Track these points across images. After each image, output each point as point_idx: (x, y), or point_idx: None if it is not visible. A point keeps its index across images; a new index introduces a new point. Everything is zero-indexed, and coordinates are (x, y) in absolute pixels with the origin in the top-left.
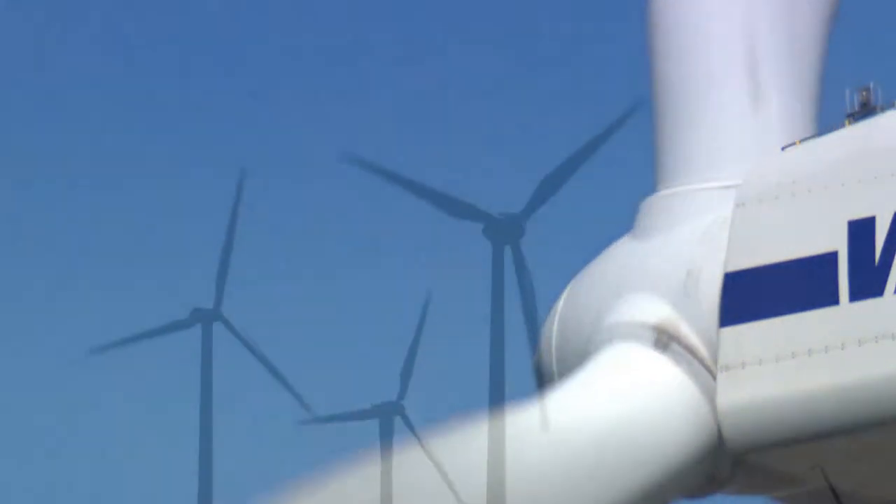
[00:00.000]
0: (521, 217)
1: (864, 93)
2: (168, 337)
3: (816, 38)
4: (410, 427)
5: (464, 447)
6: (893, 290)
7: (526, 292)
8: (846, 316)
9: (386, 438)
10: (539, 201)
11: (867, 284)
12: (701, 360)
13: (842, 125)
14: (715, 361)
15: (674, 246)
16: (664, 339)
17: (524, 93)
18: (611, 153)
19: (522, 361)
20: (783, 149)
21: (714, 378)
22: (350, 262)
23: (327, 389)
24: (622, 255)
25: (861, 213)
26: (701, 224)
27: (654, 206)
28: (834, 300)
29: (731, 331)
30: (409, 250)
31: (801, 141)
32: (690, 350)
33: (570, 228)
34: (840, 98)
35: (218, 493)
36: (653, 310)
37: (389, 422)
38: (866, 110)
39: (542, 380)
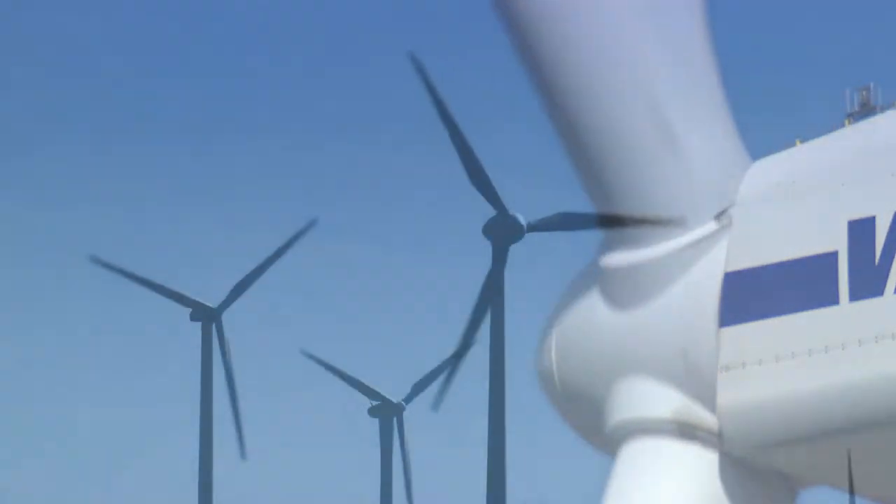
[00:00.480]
0: (527, 227)
1: (864, 93)
2: (164, 301)
3: (708, 61)
4: (401, 429)
5: None
6: (893, 290)
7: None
8: (846, 316)
9: (386, 436)
10: (549, 227)
11: (867, 284)
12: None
13: (842, 125)
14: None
15: (658, 323)
16: (688, 430)
17: None
18: None
19: (521, 362)
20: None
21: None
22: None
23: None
24: (606, 325)
25: (861, 213)
26: (676, 293)
27: (622, 270)
28: (834, 300)
29: (731, 331)
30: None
31: (801, 141)
32: (714, 431)
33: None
34: (840, 98)
35: (218, 492)
36: (665, 400)
37: (389, 421)
38: (866, 110)
39: (546, 389)
